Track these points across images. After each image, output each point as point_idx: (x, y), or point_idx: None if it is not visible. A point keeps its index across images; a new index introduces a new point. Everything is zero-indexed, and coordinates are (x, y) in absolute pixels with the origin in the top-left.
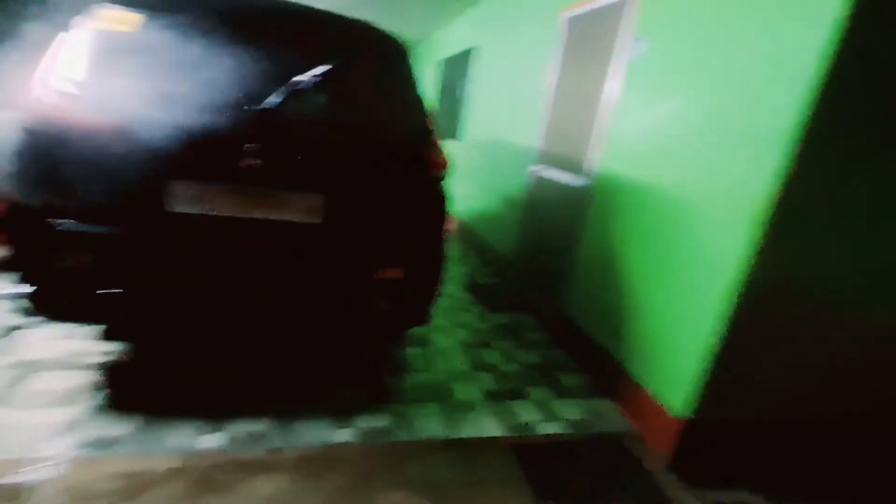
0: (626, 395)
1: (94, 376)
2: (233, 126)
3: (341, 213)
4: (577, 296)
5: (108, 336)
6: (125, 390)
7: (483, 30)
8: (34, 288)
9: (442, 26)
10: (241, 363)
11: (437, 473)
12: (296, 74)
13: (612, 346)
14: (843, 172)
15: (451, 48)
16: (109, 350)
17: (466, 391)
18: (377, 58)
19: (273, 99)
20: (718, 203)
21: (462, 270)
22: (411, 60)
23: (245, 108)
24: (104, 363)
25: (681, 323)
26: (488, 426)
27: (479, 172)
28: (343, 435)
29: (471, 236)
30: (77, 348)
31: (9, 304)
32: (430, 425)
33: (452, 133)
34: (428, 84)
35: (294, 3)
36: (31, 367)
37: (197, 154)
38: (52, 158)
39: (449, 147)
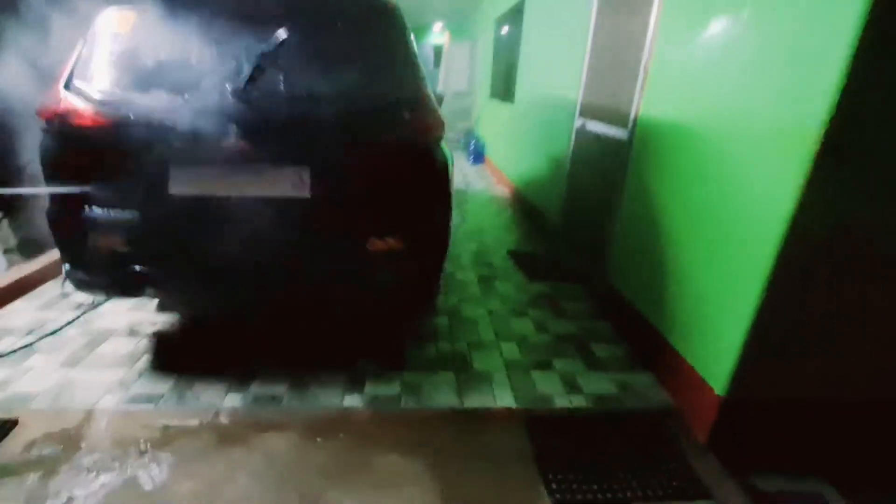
0: (667, 369)
1: (146, 342)
2: (215, 108)
3: (330, 185)
4: (619, 261)
5: (161, 308)
6: (169, 354)
7: None
8: (69, 267)
9: None
10: (270, 332)
11: (439, 441)
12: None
13: (653, 315)
14: None
15: (503, 3)
16: (162, 320)
17: (486, 361)
18: (357, 19)
19: (245, 75)
20: (762, 140)
21: (508, 238)
22: (400, 19)
23: (226, 88)
24: (157, 331)
25: (722, 284)
26: (503, 397)
27: (528, 134)
28: (352, 400)
29: (522, 202)
30: (139, 318)
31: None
32: (441, 395)
33: (507, 96)
34: (487, 47)
35: None
36: (102, 335)
37: (188, 139)
38: (73, 155)
39: (503, 111)
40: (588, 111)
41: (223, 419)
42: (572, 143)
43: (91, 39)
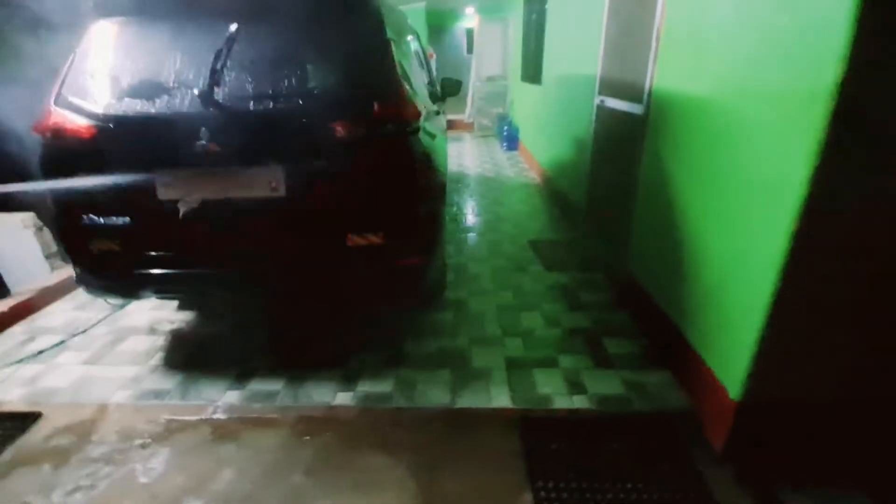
0: (684, 367)
1: (162, 340)
2: (188, 113)
3: (303, 184)
4: (637, 247)
5: (180, 307)
6: (180, 351)
7: None
8: (77, 272)
9: None
10: (273, 329)
11: (426, 442)
12: (241, 49)
13: (669, 306)
14: None
15: None
16: (179, 318)
17: (486, 358)
18: (325, 10)
19: (208, 77)
20: (774, 107)
21: (532, 226)
22: (372, 7)
23: (195, 93)
24: (172, 329)
25: (737, 271)
26: (499, 397)
27: (554, 116)
28: (344, 397)
29: (550, 188)
30: (159, 317)
31: None
32: (435, 393)
33: (535, 78)
34: (518, 28)
35: None
36: (125, 333)
37: (168, 146)
38: (66, 167)
39: (532, 94)
40: (606, 87)
41: (219, 414)
42: (593, 122)
43: (79, 53)
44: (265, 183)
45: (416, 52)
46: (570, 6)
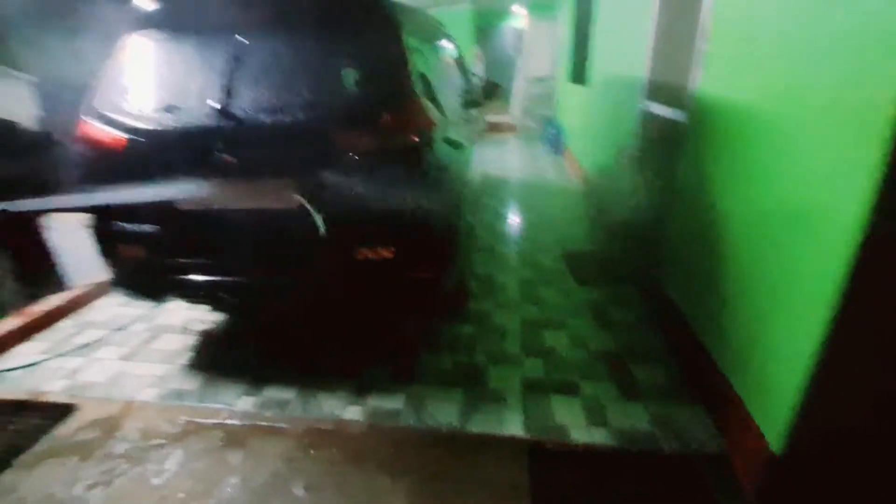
0: (719, 404)
1: (192, 340)
2: (205, 126)
3: (316, 195)
4: (673, 264)
5: (212, 309)
6: (205, 354)
7: None
8: (111, 274)
9: None
10: (292, 338)
11: (429, 465)
12: (254, 63)
13: (705, 334)
14: None
15: None
16: (210, 319)
17: (503, 379)
18: (340, 22)
19: (222, 91)
20: (835, 117)
21: (567, 236)
22: (391, 18)
23: (212, 105)
24: (203, 330)
25: (784, 305)
26: (511, 423)
27: (598, 120)
28: (354, 411)
29: (591, 196)
30: (192, 317)
31: None
32: (444, 413)
33: (582, 78)
34: (568, 25)
35: None
36: (159, 330)
37: (186, 157)
38: (97, 174)
39: (579, 96)
40: (652, 91)
41: (233, 420)
42: (637, 127)
43: (109, 66)
44: (277, 195)
45: (449, 58)
46: (619, 4)
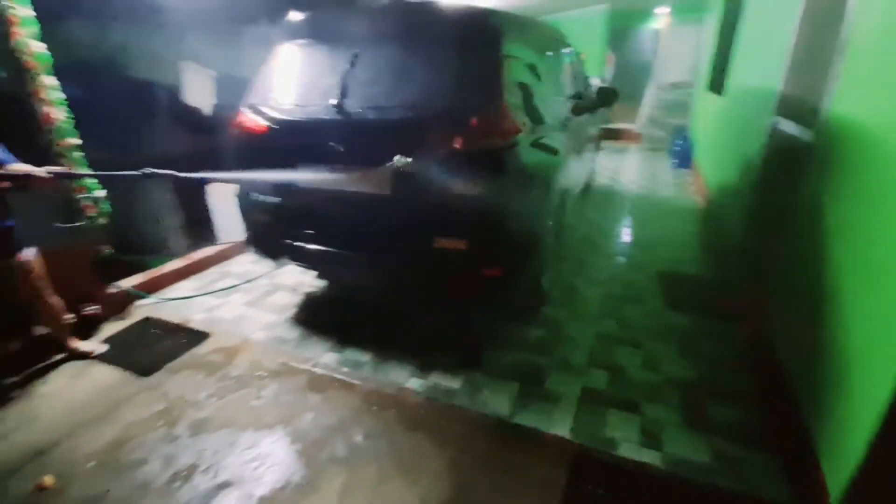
0: (793, 452)
1: (298, 299)
2: (325, 119)
3: (405, 185)
4: (777, 302)
5: (318, 276)
6: (306, 311)
7: None
8: (246, 235)
9: None
10: (376, 311)
11: (474, 445)
12: (367, 68)
13: (797, 377)
14: None
15: None
16: (316, 284)
17: (562, 384)
18: (448, 39)
19: (339, 91)
20: None
21: (671, 256)
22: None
23: (333, 104)
24: (307, 292)
25: (865, 360)
26: (558, 424)
27: (727, 134)
28: (415, 383)
29: (709, 215)
30: (302, 280)
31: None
32: (496, 402)
33: (719, 87)
34: (713, 29)
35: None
36: (276, 288)
37: (307, 144)
38: (246, 157)
39: (713, 106)
40: (785, 106)
41: (317, 369)
42: (764, 145)
43: (265, 67)
44: (374, 182)
45: (563, 65)
46: (764, 7)
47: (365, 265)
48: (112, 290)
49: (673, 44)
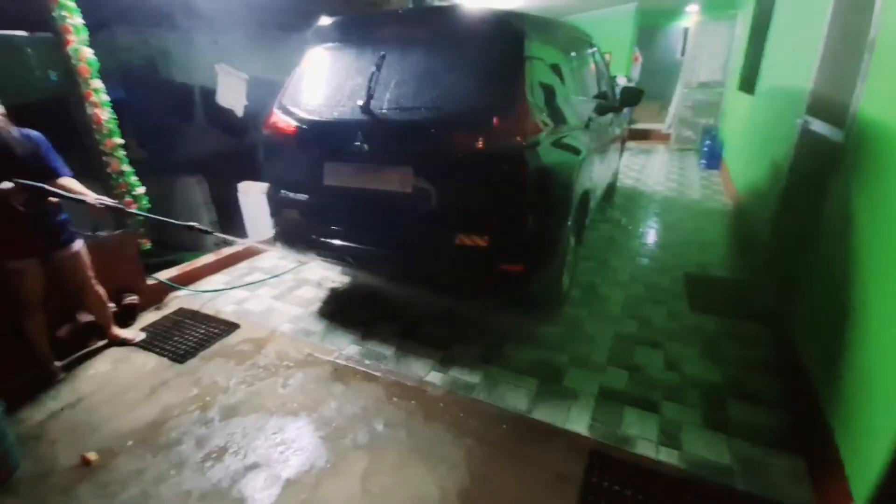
0: (816, 455)
1: (323, 293)
2: (350, 120)
3: (427, 183)
4: (803, 305)
5: (343, 271)
6: (330, 305)
7: None
8: (275, 230)
9: None
10: (399, 306)
11: (492, 437)
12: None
13: (821, 382)
14: None
15: None
16: (340, 280)
17: (580, 381)
18: (473, 41)
19: (367, 95)
20: None
21: (698, 258)
22: (516, 36)
23: (359, 105)
24: (333, 287)
25: (890, 366)
26: (575, 421)
27: (757, 134)
28: (435, 377)
29: (738, 217)
30: (327, 275)
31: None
32: (514, 397)
33: (749, 86)
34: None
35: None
36: (302, 282)
37: (334, 143)
38: (276, 156)
39: (743, 105)
40: (814, 105)
41: (341, 360)
42: (794, 145)
43: (297, 70)
44: (397, 180)
45: (588, 65)
46: (796, 4)
47: (388, 261)
48: (150, 281)
49: (702, 42)
